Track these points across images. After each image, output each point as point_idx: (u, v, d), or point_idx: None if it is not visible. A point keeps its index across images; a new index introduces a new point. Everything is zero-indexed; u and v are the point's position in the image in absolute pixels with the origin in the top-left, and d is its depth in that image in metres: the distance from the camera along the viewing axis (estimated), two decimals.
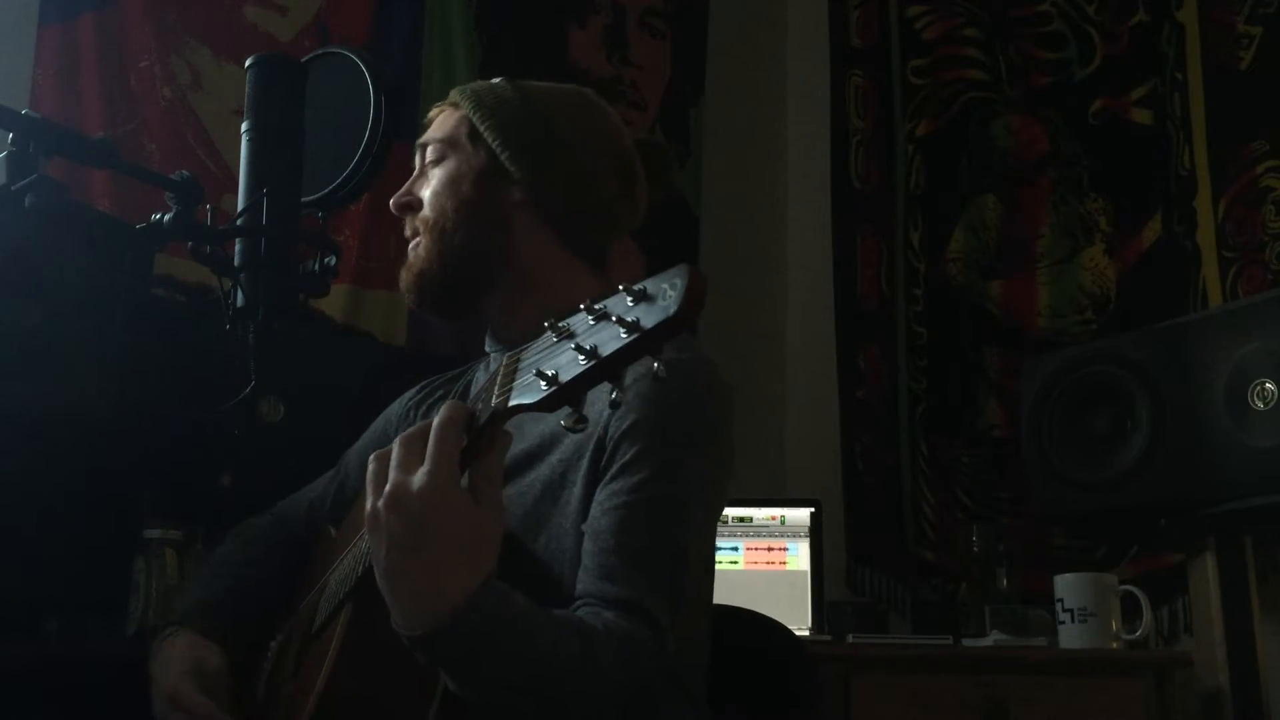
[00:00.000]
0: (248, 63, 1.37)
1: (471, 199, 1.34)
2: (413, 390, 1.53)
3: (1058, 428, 2.45)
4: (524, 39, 2.94)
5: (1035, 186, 3.04)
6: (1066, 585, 2.39)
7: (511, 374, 0.89)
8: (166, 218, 1.26)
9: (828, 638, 2.52)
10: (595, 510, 1.18)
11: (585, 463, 1.21)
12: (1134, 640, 2.39)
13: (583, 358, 0.80)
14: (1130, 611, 2.40)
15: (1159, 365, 2.30)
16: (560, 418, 0.84)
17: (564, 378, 0.82)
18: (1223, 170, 2.70)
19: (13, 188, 1.19)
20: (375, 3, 2.71)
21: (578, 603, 1.14)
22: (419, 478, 0.93)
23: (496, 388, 0.90)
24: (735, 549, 2.65)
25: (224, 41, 2.49)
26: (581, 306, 0.82)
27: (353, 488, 1.49)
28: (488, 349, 1.43)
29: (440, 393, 1.50)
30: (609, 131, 1.39)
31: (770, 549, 2.67)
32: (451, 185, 1.35)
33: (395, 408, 1.53)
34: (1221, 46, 2.75)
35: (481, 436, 0.93)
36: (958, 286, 3.08)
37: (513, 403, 0.87)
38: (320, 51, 1.55)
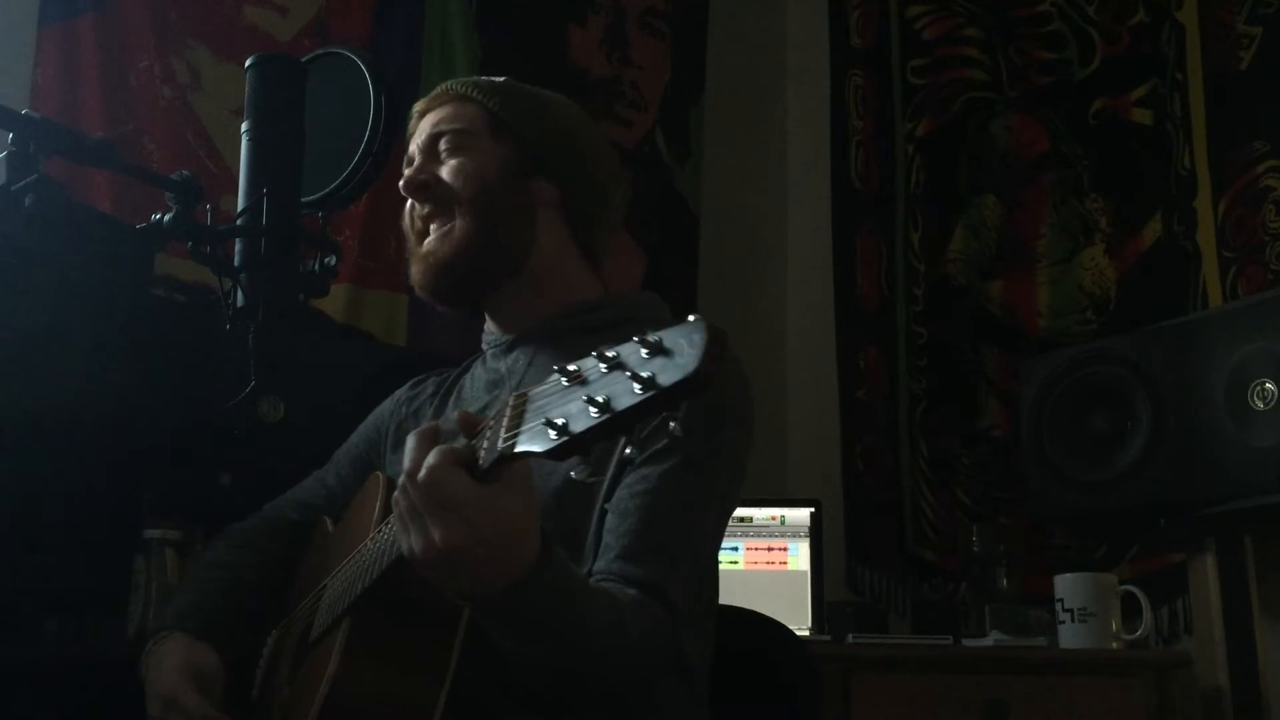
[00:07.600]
0: (248, 63, 1.36)
1: (499, 190, 1.34)
2: (404, 389, 1.52)
3: (1057, 428, 2.45)
4: (524, 39, 2.94)
5: (1035, 186, 3.04)
6: (1066, 585, 2.39)
7: (519, 415, 0.85)
8: (166, 218, 1.26)
9: (828, 638, 2.51)
10: (623, 492, 1.19)
11: (618, 450, 1.19)
12: (1134, 640, 2.39)
13: (594, 410, 0.76)
14: (1130, 611, 2.40)
15: (1159, 365, 2.30)
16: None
17: (574, 429, 0.78)
18: (1223, 170, 2.70)
19: (13, 188, 1.19)
20: (375, 3, 2.71)
21: (597, 578, 1.15)
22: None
23: (504, 427, 0.86)
24: (735, 549, 2.65)
25: (224, 41, 2.49)
26: (593, 353, 0.79)
27: (344, 488, 1.49)
28: (485, 346, 1.43)
29: (430, 391, 1.48)
30: (603, 133, 1.46)
31: (770, 549, 2.67)
32: (480, 174, 1.35)
33: (387, 405, 1.52)
34: (1221, 46, 2.75)
35: (485, 479, 0.90)
36: (958, 286, 3.08)
37: (519, 449, 0.83)
38: (320, 51, 1.54)
